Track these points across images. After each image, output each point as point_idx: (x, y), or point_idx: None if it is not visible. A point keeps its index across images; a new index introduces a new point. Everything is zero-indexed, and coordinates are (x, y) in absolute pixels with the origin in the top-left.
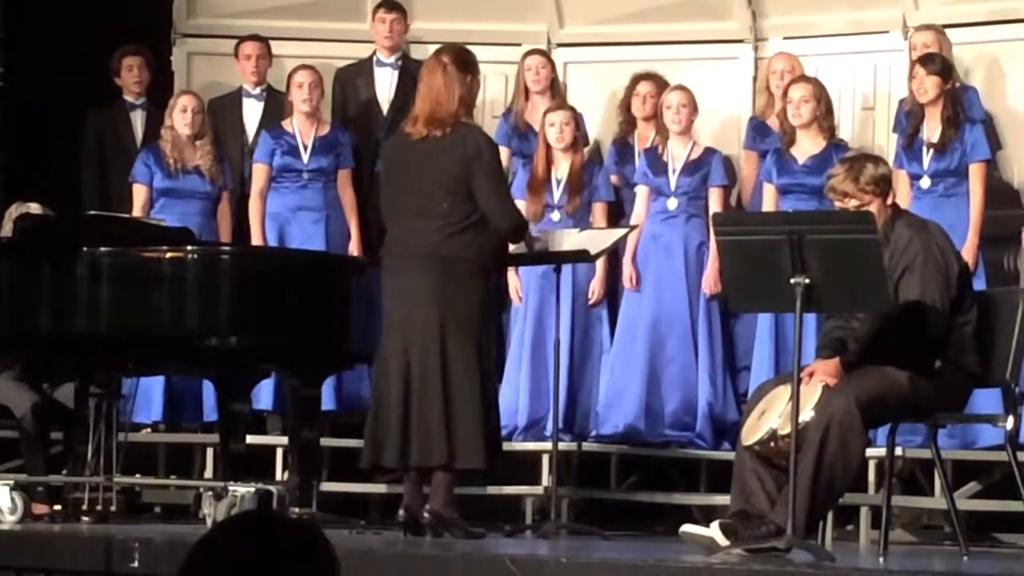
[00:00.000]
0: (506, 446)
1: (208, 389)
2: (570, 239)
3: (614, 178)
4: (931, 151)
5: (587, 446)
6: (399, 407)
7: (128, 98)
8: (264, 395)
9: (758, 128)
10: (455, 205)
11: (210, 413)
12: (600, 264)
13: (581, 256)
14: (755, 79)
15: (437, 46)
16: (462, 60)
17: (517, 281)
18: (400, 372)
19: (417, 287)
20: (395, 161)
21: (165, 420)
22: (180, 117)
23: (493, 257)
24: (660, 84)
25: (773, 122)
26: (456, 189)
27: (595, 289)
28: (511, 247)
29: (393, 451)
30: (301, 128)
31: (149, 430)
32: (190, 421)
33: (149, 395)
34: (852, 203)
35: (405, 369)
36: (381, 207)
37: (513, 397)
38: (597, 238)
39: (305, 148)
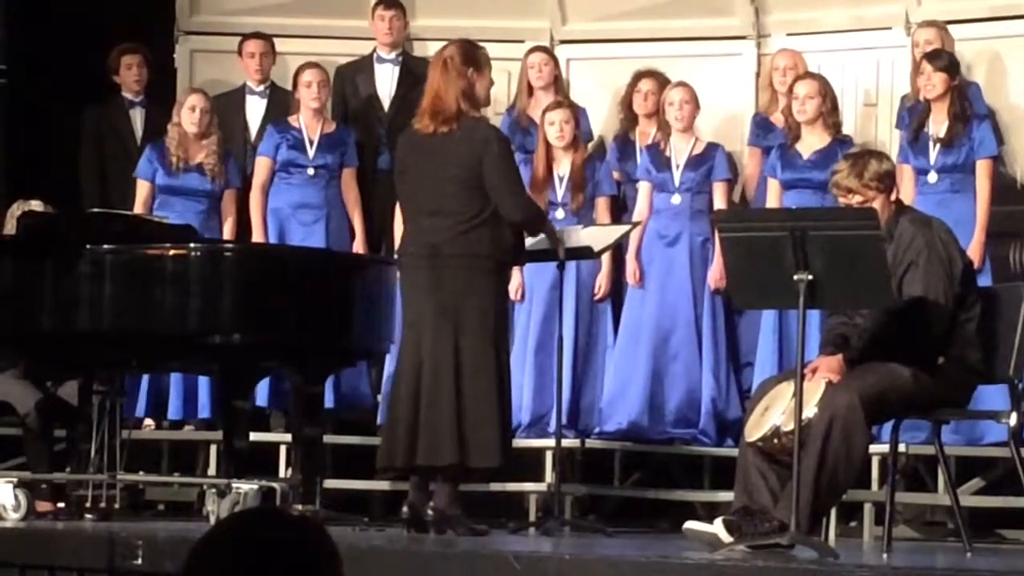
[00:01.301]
0: None
1: (204, 385)
2: (574, 236)
3: (616, 174)
4: (938, 146)
5: (590, 443)
6: (409, 407)
7: (127, 96)
8: (260, 391)
9: (761, 124)
10: (466, 201)
11: (204, 410)
12: (605, 259)
13: (585, 253)
14: (758, 75)
15: (439, 43)
16: (465, 54)
17: (519, 278)
18: (412, 371)
19: (430, 285)
20: (405, 159)
21: (149, 414)
22: (188, 115)
23: (508, 252)
24: (661, 81)
25: (776, 118)
26: (466, 185)
27: (601, 284)
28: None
29: (403, 452)
30: (308, 124)
31: (152, 427)
32: (178, 417)
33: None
34: (856, 199)
35: (418, 368)
36: (399, 205)
37: (517, 394)
38: (600, 234)
39: (311, 143)
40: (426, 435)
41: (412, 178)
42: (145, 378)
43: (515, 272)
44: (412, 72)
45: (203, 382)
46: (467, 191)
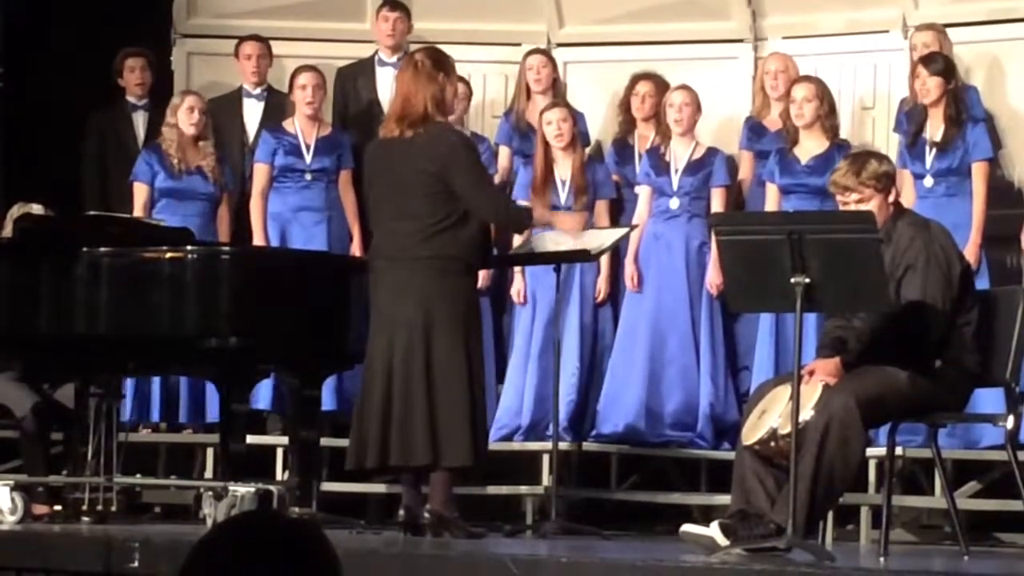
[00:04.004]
0: (506, 446)
1: (210, 389)
2: (571, 239)
3: (614, 177)
4: (934, 150)
5: (587, 446)
6: (380, 408)
7: (130, 99)
8: (263, 394)
9: (754, 129)
10: (433, 205)
11: (213, 414)
12: (604, 263)
13: (580, 256)
14: (755, 79)
15: (437, 46)
16: (435, 60)
17: (521, 282)
18: (383, 373)
19: (400, 288)
20: (373, 164)
21: (163, 420)
22: (186, 117)
23: (476, 254)
24: (659, 84)
25: (768, 122)
26: (433, 189)
27: (600, 287)
28: (516, 242)
29: (374, 451)
30: (303, 128)
31: (149, 430)
32: (190, 421)
33: (149, 396)
34: (853, 197)
35: (388, 370)
36: (368, 211)
37: (516, 398)
38: (597, 238)
39: (307, 148)
40: (398, 435)
41: (379, 184)
42: (157, 382)
43: (517, 275)
44: None
45: (199, 385)
46: (433, 195)
